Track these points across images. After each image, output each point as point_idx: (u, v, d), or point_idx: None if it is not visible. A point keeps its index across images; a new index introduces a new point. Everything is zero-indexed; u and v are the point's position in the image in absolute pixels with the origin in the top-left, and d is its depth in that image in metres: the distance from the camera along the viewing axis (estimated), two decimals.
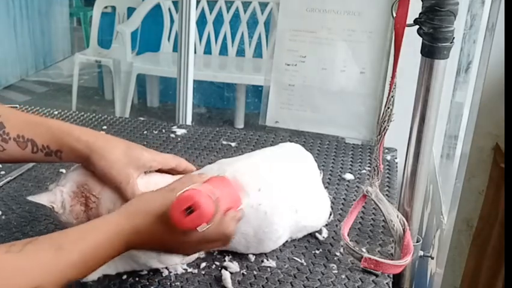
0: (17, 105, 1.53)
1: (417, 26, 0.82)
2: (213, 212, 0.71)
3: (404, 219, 0.88)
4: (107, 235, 0.69)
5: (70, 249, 0.67)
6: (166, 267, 0.83)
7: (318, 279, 0.82)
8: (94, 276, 0.80)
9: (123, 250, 0.72)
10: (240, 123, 3.64)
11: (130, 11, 3.81)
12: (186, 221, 0.69)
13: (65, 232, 0.70)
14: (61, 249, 0.66)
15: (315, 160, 0.96)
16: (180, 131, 1.41)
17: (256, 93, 3.45)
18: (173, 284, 0.81)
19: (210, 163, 0.91)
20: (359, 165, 1.24)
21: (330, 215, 0.98)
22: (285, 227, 0.87)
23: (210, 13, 3.62)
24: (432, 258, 1.08)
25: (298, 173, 0.91)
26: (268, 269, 0.84)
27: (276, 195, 0.85)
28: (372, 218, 1.00)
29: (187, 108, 1.94)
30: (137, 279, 0.82)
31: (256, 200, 0.82)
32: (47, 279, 0.64)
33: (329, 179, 1.16)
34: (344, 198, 1.08)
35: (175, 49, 3.62)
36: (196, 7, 2.04)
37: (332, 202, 1.01)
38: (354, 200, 1.05)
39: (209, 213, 0.70)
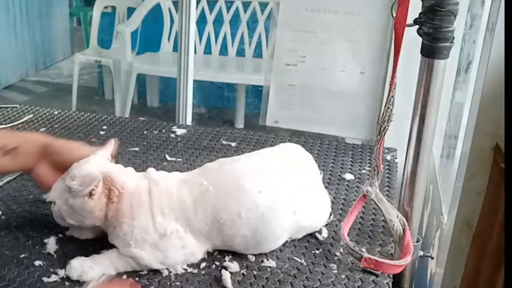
0: (17, 105, 1.53)
1: (417, 26, 0.82)
2: None
3: (404, 219, 0.88)
4: None
5: None
6: (166, 268, 0.83)
7: (318, 279, 0.82)
8: (93, 275, 0.80)
9: None
10: (240, 123, 3.63)
11: (130, 11, 3.80)
12: None
13: None
14: None
15: (315, 160, 0.96)
16: (180, 131, 1.40)
17: (256, 93, 3.44)
18: (173, 284, 0.81)
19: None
20: (359, 165, 1.24)
21: (330, 215, 0.98)
22: (284, 228, 0.87)
23: (210, 13, 3.62)
24: (432, 258, 1.09)
25: (298, 173, 0.91)
26: (268, 269, 0.84)
27: (276, 196, 0.85)
28: (372, 218, 1.00)
29: (187, 108, 1.94)
30: (137, 279, 0.81)
31: (255, 202, 0.82)
32: None
33: (329, 179, 1.16)
34: (344, 198, 1.08)
35: (175, 49, 3.61)
36: (196, 7, 2.04)
37: (332, 202, 1.01)
38: (354, 200, 1.05)
39: None
